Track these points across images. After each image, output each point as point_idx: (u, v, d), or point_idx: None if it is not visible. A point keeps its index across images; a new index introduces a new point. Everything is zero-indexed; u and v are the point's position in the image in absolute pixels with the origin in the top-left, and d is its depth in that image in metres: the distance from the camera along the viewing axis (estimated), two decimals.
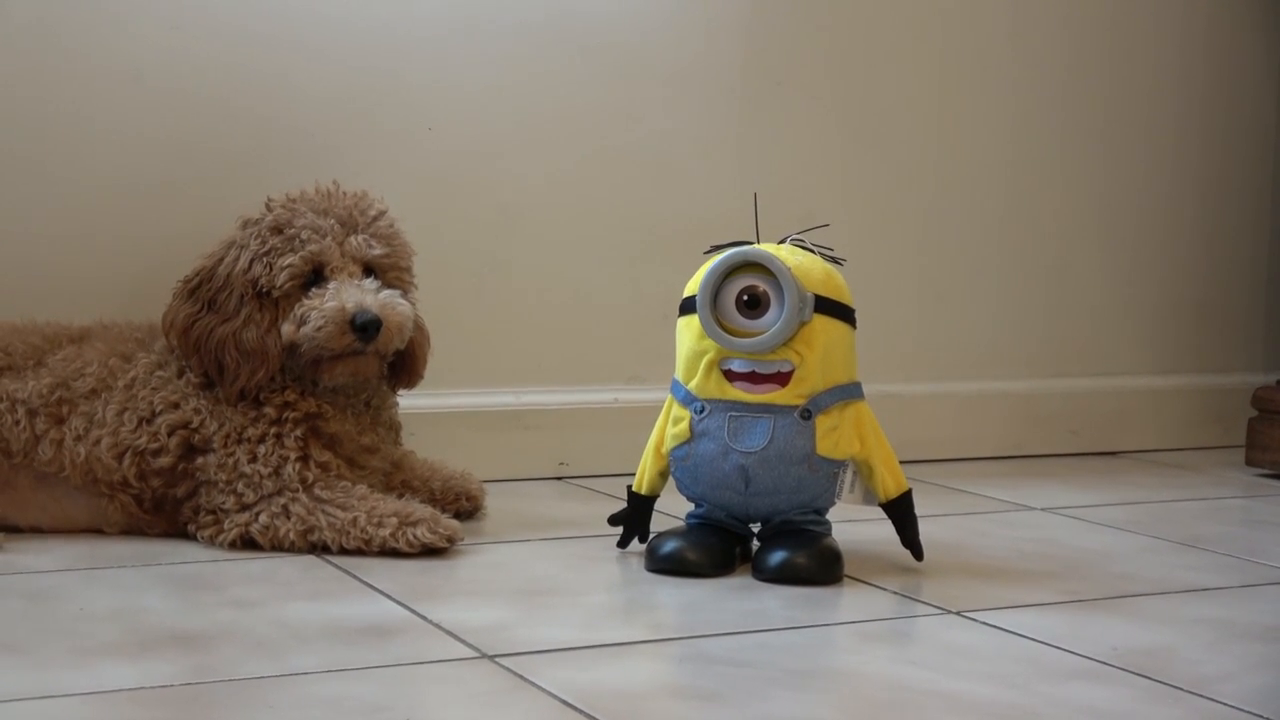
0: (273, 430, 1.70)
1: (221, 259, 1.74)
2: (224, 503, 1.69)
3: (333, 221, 1.73)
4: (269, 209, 1.75)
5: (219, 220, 1.82)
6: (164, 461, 1.70)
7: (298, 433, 1.71)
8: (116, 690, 1.21)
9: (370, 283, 1.73)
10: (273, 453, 1.69)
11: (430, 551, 1.66)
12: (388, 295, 1.73)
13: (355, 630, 1.39)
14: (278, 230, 1.73)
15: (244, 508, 1.68)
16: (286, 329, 1.71)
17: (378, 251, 1.75)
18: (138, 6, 1.93)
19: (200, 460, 1.70)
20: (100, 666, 1.26)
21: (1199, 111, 2.63)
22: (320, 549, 1.67)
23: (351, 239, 1.73)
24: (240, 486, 1.68)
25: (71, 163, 1.91)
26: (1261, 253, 2.72)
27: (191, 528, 1.71)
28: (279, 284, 1.71)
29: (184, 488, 1.71)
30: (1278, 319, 2.73)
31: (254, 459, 1.69)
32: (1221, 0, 2.63)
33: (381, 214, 1.77)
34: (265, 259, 1.71)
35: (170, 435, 1.70)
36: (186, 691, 1.21)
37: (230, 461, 1.69)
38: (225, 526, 1.68)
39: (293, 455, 1.69)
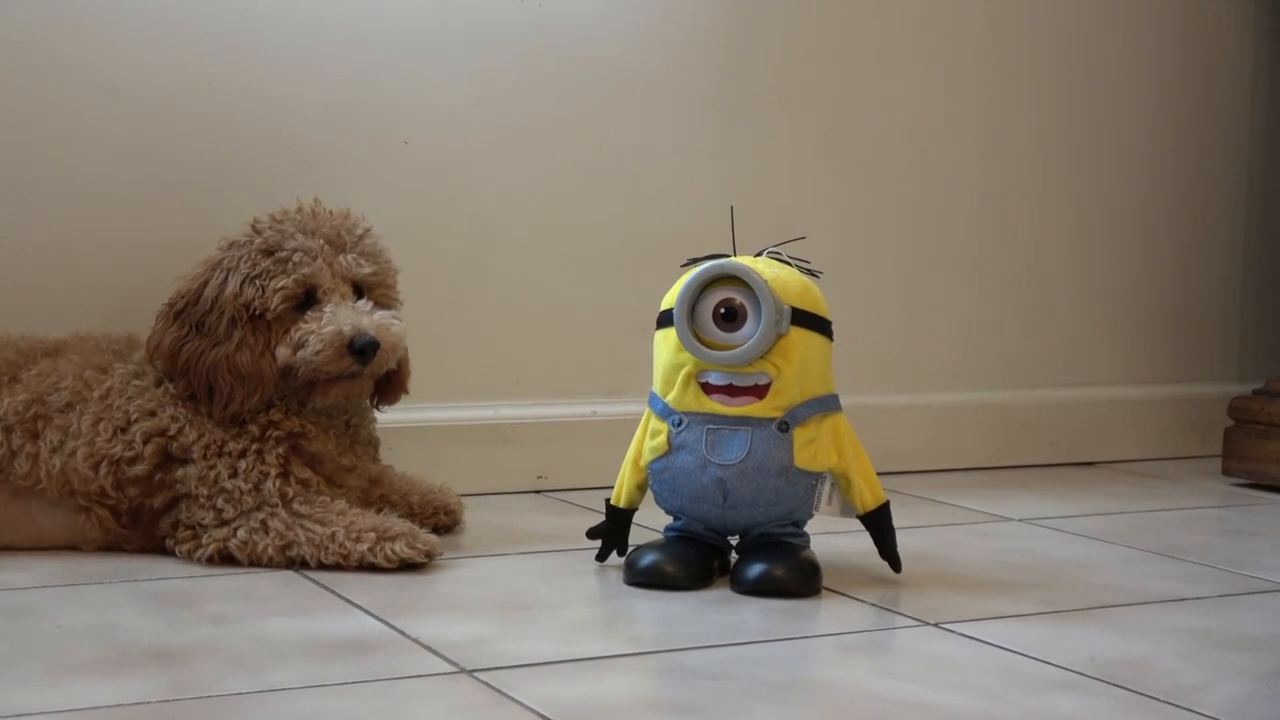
0: (254, 446, 1.70)
1: (206, 281, 1.72)
2: (203, 518, 1.68)
3: (321, 241, 1.73)
4: (257, 231, 1.74)
5: (197, 233, 1.82)
6: (140, 470, 1.69)
7: (280, 450, 1.70)
8: (94, 708, 1.20)
9: (364, 304, 1.73)
10: (253, 468, 1.69)
11: (408, 566, 1.66)
12: (382, 316, 1.73)
13: (334, 646, 1.39)
14: (268, 252, 1.72)
15: (223, 523, 1.68)
16: (282, 352, 1.71)
17: (366, 270, 1.75)
18: (113, 20, 1.92)
19: (180, 471, 1.70)
20: (78, 684, 1.26)
21: (1175, 122, 2.65)
22: (298, 564, 1.67)
23: (340, 258, 1.73)
24: (220, 502, 1.68)
25: (48, 177, 1.91)
26: (1237, 263, 2.73)
27: (169, 543, 1.70)
28: (272, 307, 1.71)
29: (161, 498, 1.71)
30: (1254, 329, 2.74)
31: (234, 474, 1.68)
32: (1198, 9, 2.64)
33: (367, 232, 1.78)
34: (257, 281, 1.71)
35: (146, 443, 1.69)
36: (164, 708, 1.21)
37: (211, 475, 1.69)
38: (203, 542, 1.67)
39: (273, 471, 1.69)
